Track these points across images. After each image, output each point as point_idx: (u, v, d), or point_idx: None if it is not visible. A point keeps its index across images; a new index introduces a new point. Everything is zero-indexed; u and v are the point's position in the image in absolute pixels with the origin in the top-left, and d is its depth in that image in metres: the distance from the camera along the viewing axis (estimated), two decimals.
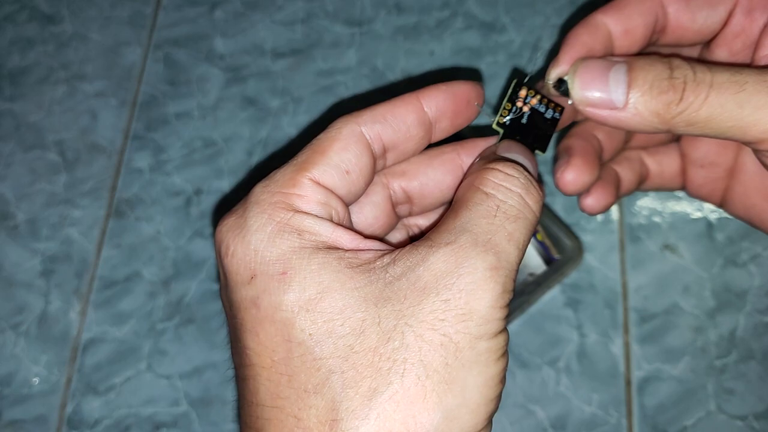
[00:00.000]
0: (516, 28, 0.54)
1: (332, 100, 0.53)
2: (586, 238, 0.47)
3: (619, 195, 0.30)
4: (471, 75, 0.53)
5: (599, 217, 0.48)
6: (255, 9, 0.56)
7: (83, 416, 0.45)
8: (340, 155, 0.22)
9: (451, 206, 0.23)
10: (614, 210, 0.48)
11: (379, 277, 0.20)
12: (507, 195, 0.21)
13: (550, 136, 0.26)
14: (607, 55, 0.25)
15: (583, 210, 0.30)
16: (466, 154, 0.26)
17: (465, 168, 0.27)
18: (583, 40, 0.25)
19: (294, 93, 0.53)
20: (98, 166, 0.52)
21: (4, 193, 0.51)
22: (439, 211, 0.28)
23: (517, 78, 0.26)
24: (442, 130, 0.25)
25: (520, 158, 0.24)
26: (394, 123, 0.24)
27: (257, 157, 0.51)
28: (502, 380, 0.20)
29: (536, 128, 0.26)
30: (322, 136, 0.23)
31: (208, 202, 0.50)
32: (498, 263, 0.20)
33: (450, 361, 0.19)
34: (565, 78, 0.24)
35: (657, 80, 0.22)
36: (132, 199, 0.51)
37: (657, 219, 0.48)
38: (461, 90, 0.25)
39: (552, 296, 0.46)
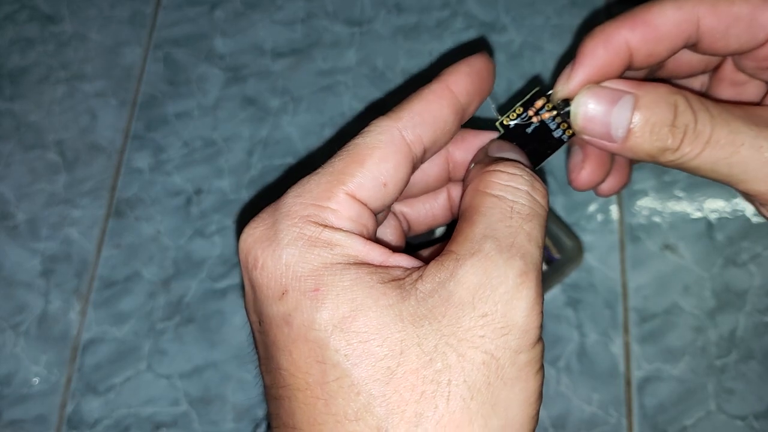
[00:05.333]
0: (516, 28, 0.54)
1: (332, 99, 0.53)
2: (586, 238, 0.47)
3: (631, 169, 0.30)
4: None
5: (599, 217, 0.48)
6: (255, 9, 0.56)
7: (83, 416, 0.45)
8: (379, 166, 0.21)
9: (461, 215, 0.22)
10: (614, 210, 0.48)
11: (410, 293, 0.19)
12: (516, 195, 0.21)
13: (549, 155, 0.26)
14: (620, 76, 0.24)
15: (597, 194, 0.29)
16: (454, 146, 0.26)
17: (451, 158, 0.26)
18: (598, 59, 0.23)
19: (294, 93, 0.53)
20: (98, 166, 0.52)
21: (4, 192, 0.51)
22: (423, 198, 0.28)
23: (539, 88, 0.25)
24: (470, 114, 0.24)
25: (513, 156, 0.24)
26: (433, 121, 0.23)
27: (257, 157, 0.51)
28: (540, 396, 0.20)
29: (537, 142, 0.25)
30: (360, 141, 0.22)
31: (209, 201, 0.50)
32: (526, 267, 0.20)
33: (492, 380, 0.18)
34: (570, 101, 0.24)
35: (658, 126, 0.22)
36: (132, 199, 0.51)
37: (657, 219, 0.48)
38: (482, 65, 0.24)
39: (552, 296, 0.46)
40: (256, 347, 0.22)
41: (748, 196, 0.23)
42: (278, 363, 0.20)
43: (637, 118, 0.22)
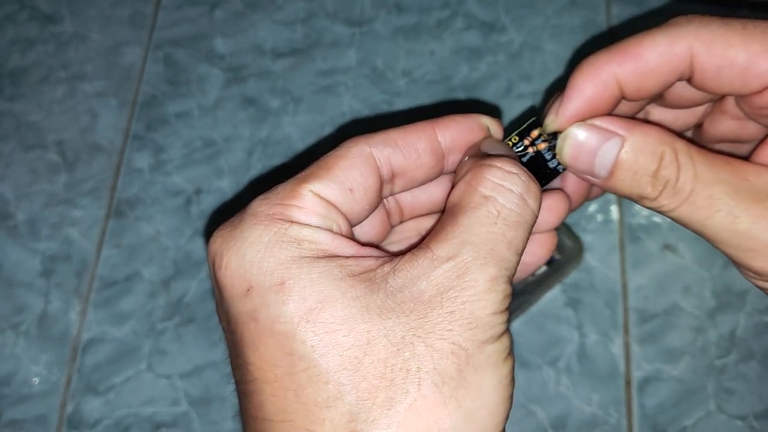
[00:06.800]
0: (516, 28, 0.54)
1: (332, 99, 0.53)
2: (586, 238, 0.47)
3: None
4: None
5: (599, 217, 0.48)
6: (255, 9, 0.56)
7: (83, 416, 0.45)
8: (345, 172, 0.22)
9: (448, 207, 0.22)
10: (614, 210, 0.48)
11: (380, 286, 0.20)
12: (507, 197, 0.21)
13: (544, 185, 0.25)
14: (611, 110, 0.24)
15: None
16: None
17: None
18: (586, 94, 0.23)
19: (294, 93, 0.53)
20: (98, 166, 0.52)
21: (4, 192, 0.51)
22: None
23: (536, 118, 0.25)
24: (455, 163, 0.25)
25: (507, 153, 0.24)
26: (405, 148, 0.23)
27: (257, 157, 0.51)
28: (513, 379, 0.20)
29: (532, 172, 0.25)
30: (330, 153, 0.22)
31: (208, 201, 0.50)
32: (498, 273, 0.20)
33: (463, 367, 0.19)
34: (558, 135, 0.24)
35: (639, 174, 0.22)
36: (132, 199, 0.51)
37: (657, 219, 0.48)
38: (478, 124, 0.25)
39: (552, 296, 0.46)
40: (227, 349, 0.22)
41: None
42: (245, 359, 0.20)
43: (620, 162, 0.22)
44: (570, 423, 0.44)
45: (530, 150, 0.25)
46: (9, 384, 0.46)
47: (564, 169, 0.25)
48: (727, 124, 0.26)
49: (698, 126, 0.28)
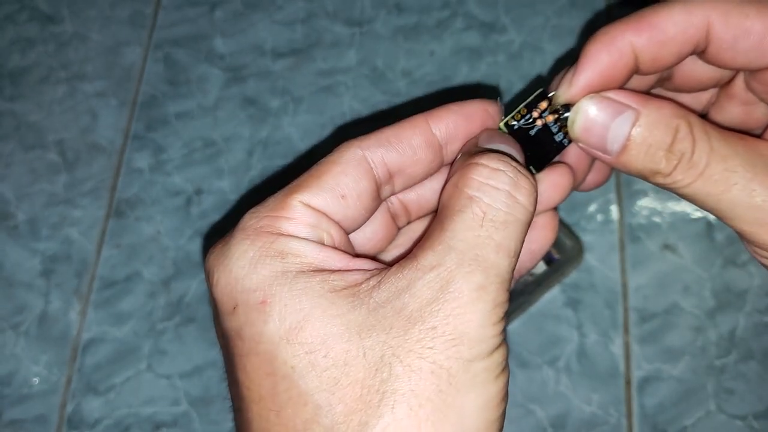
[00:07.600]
0: (516, 29, 0.54)
1: (332, 99, 0.53)
2: (586, 238, 0.47)
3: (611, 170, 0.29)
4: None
5: (599, 217, 0.48)
6: (255, 9, 0.56)
7: (83, 416, 0.45)
8: (336, 179, 0.21)
9: (438, 212, 0.21)
10: (614, 210, 0.48)
11: (363, 301, 0.19)
12: (493, 196, 0.20)
13: (551, 159, 0.25)
14: (624, 83, 0.23)
15: (581, 189, 0.28)
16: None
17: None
18: (601, 63, 0.22)
19: (294, 93, 0.53)
20: (98, 166, 0.52)
21: (4, 192, 0.51)
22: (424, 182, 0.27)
23: (543, 89, 0.24)
24: (453, 153, 0.24)
25: (505, 147, 0.23)
26: (400, 146, 0.22)
27: (257, 157, 0.51)
28: (504, 398, 0.20)
29: (540, 145, 0.24)
30: (322, 160, 0.22)
31: (209, 201, 0.50)
32: (486, 280, 0.19)
33: (443, 388, 0.18)
34: (571, 106, 0.23)
35: (654, 148, 0.22)
36: (132, 199, 0.51)
37: (657, 219, 0.48)
38: (474, 110, 0.24)
39: (552, 296, 0.46)
40: (224, 363, 0.22)
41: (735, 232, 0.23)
42: (235, 377, 0.20)
43: (634, 136, 0.22)
44: (570, 423, 0.44)
45: (539, 122, 0.24)
46: (9, 384, 0.46)
47: (569, 143, 0.24)
48: (734, 111, 0.25)
49: (702, 117, 0.27)
